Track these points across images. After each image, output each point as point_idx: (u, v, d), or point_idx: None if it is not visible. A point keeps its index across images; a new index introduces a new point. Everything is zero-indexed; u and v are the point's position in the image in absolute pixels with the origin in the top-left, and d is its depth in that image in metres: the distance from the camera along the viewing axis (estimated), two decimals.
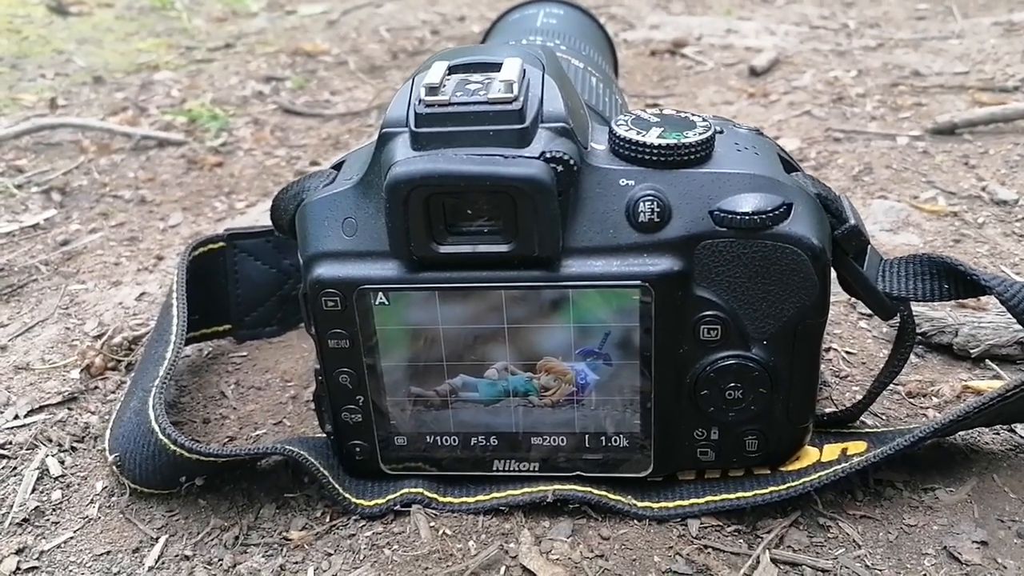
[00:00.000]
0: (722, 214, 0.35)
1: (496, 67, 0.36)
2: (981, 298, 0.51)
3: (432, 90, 0.35)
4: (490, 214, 0.36)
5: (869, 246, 0.39)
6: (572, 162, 0.35)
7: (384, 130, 0.36)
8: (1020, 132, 0.82)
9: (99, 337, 0.57)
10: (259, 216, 0.74)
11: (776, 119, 0.90)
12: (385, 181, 0.35)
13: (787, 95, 0.97)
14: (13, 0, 1.57)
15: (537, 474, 0.42)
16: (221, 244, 0.53)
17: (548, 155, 0.35)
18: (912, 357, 0.50)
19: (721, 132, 0.38)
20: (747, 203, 0.35)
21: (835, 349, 0.52)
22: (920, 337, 0.51)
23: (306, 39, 1.31)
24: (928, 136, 0.83)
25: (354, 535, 0.40)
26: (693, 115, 0.38)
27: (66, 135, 0.95)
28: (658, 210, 0.36)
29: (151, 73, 1.17)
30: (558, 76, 0.38)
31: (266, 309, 0.55)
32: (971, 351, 0.50)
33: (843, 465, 0.39)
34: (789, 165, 0.39)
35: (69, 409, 0.51)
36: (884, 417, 0.46)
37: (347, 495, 0.41)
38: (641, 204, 0.36)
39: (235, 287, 0.54)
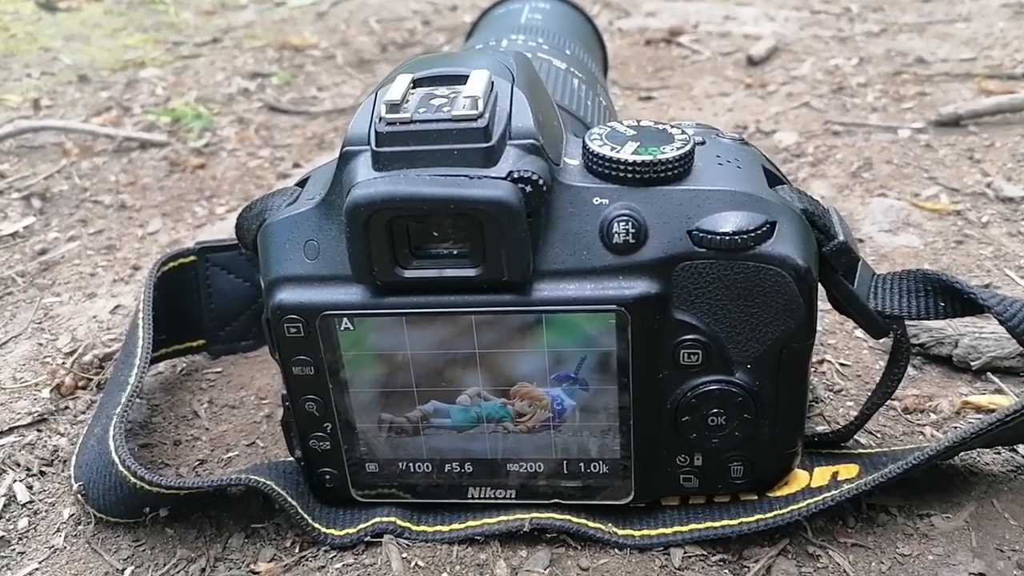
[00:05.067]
0: (701, 234, 0.33)
1: (462, 80, 0.34)
2: None
3: (394, 107, 0.33)
4: (456, 237, 0.34)
5: (860, 261, 0.37)
6: (541, 182, 0.33)
7: (345, 148, 0.34)
8: None
9: (71, 354, 0.55)
10: None
11: (774, 111, 0.88)
12: (344, 204, 0.33)
13: (785, 85, 0.95)
14: None
15: (514, 501, 0.40)
16: (192, 258, 0.51)
17: (516, 175, 0.33)
18: (909, 369, 0.48)
19: (702, 143, 0.36)
20: (728, 222, 0.33)
21: (829, 361, 0.50)
22: (918, 348, 0.49)
23: (294, 32, 1.28)
24: (931, 128, 0.80)
25: (323, 567, 0.39)
26: (673, 126, 0.36)
27: (49, 137, 0.93)
28: (633, 231, 0.34)
29: (137, 71, 1.15)
30: (529, 87, 0.36)
31: (241, 323, 0.53)
32: (972, 363, 0.48)
33: (833, 492, 0.38)
34: (774, 178, 0.37)
35: (39, 431, 0.49)
36: (879, 435, 0.44)
37: (316, 525, 0.40)
38: (616, 224, 0.34)
39: (208, 301, 0.52)
